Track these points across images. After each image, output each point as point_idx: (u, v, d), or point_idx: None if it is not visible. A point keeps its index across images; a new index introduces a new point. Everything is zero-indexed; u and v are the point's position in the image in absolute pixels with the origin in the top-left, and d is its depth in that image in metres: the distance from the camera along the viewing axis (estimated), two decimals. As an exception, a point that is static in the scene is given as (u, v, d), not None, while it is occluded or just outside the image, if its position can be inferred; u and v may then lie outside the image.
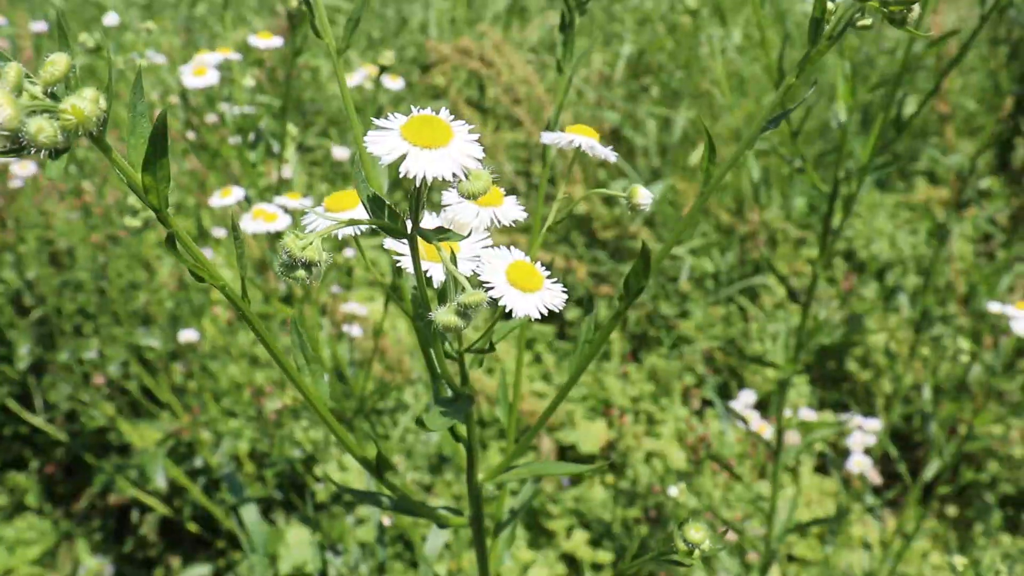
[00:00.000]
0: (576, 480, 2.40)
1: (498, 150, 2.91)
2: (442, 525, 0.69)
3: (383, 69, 1.30)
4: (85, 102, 0.40)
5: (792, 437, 1.58)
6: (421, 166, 0.45)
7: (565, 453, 2.48)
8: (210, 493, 2.20)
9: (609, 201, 3.04)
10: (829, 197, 0.99)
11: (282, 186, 1.41)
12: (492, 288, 0.54)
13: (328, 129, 3.38)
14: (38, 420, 2.21)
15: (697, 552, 0.64)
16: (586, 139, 0.68)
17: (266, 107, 2.95)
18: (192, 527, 2.16)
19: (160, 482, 1.84)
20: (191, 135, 1.42)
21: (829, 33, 0.52)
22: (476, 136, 0.48)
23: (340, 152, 1.87)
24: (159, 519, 2.28)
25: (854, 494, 1.71)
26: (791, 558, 2.27)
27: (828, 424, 1.42)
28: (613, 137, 3.15)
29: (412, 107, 0.50)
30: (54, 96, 0.41)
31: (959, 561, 0.94)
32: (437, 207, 0.61)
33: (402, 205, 0.52)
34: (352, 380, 1.46)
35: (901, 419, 2.65)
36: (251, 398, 2.01)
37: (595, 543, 2.32)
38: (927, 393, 1.76)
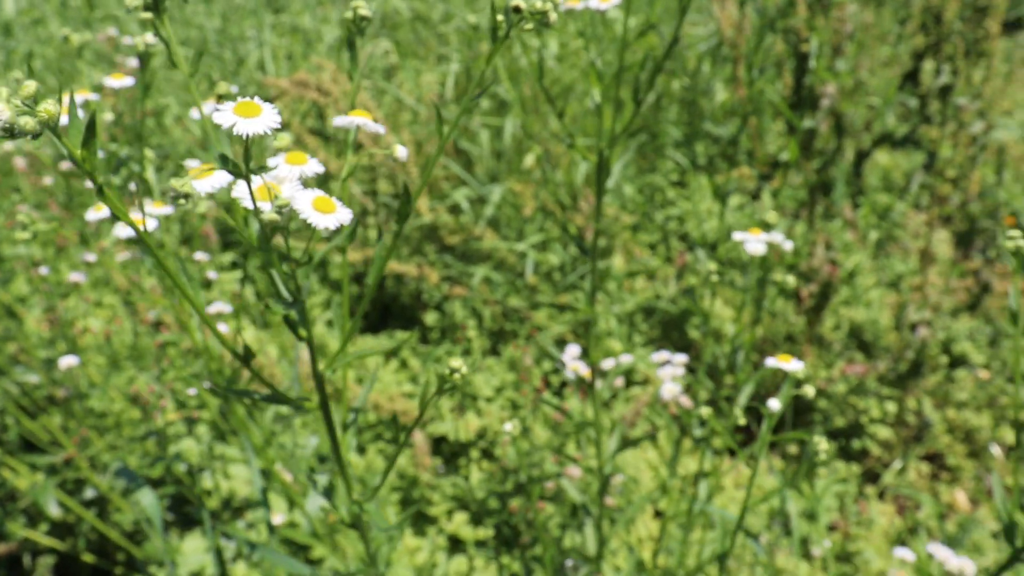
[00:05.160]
0: (452, 468, 2.59)
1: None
2: (299, 408, 0.89)
3: (220, 99, 1.47)
4: (51, 106, 0.64)
5: (616, 380, 1.81)
6: (245, 128, 0.72)
7: (439, 445, 2.67)
8: (103, 521, 2.28)
9: (454, 209, 3.25)
10: (597, 166, 1.21)
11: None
12: (302, 212, 0.77)
13: (179, 172, 3.48)
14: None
15: (458, 375, 0.85)
16: (363, 119, 0.93)
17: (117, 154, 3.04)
18: (88, 558, 2.24)
19: (53, 510, 1.93)
20: (64, 165, 1.56)
21: (502, 37, 0.76)
22: (277, 111, 0.75)
23: (191, 163, 2.08)
24: (54, 561, 2.34)
25: (683, 426, 1.94)
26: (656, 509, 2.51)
27: (634, 352, 1.66)
28: (454, 150, 3.37)
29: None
30: (28, 105, 0.64)
31: (705, 412, 1.16)
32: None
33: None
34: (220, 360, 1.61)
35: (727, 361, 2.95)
36: (140, 414, 2.11)
37: (475, 522, 2.51)
38: (732, 330, 2.02)
